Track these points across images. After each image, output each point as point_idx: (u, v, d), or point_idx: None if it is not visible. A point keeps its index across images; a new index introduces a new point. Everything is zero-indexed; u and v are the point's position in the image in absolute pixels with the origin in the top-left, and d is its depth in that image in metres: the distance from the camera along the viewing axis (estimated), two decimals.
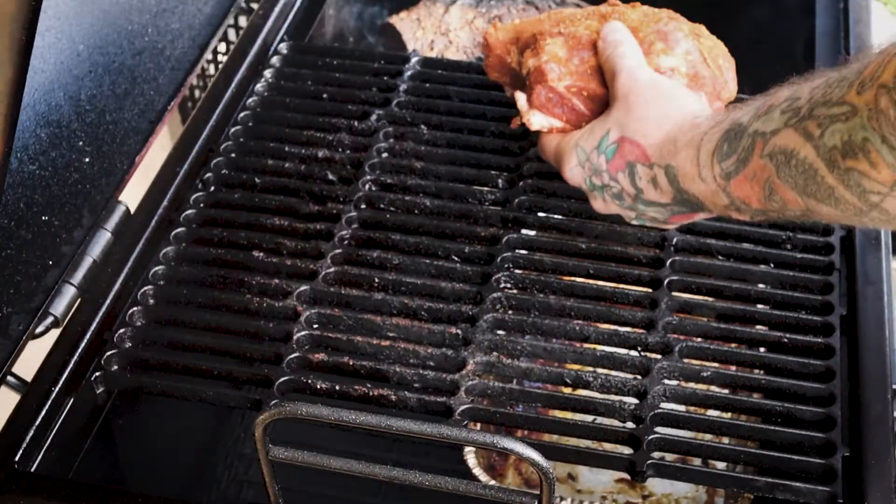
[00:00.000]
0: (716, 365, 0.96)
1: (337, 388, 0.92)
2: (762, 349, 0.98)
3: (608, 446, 0.92)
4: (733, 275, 1.02)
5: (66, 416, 0.93)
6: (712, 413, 0.97)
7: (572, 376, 0.93)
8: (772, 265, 1.02)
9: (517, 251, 1.03)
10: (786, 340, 0.96)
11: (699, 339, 0.97)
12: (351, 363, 0.93)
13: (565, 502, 1.05)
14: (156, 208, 1.08)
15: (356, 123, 1.17)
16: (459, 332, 0.96)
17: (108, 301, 0.99)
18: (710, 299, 1.00)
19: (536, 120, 0.95)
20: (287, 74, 1.25)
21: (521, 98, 0.97)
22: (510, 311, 0.99)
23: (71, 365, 0.94)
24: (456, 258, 1.03)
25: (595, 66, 0.95)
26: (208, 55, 1.22)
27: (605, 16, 1.00)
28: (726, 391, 0.95)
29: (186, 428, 1.23)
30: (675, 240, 1.03)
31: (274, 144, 1.15)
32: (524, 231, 1.06)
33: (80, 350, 0.95)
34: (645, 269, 1.02)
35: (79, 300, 0.99)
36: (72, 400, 0.94)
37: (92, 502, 0.87)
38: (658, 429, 0.89)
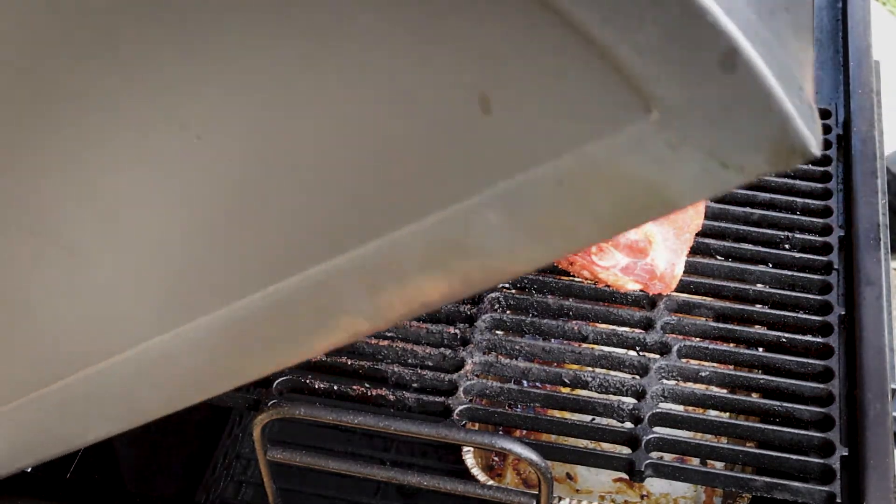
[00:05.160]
0: (714, 365, 0.95)
1: (335, 387, 0.92)
2: (761, 349, 0.98)
3: (606, 446, 0.92)
4: (732, 274, 1.02)
5: None
6: (711, 413, 0.97)
7: (571, 376, 0.93)
8: (770, 265, 1.02)
9: None
10: (784, 340, 0.96)
11: (697, 339, 0.97)
12: (349, 363, 0.93)
13: (564, 502, 1.05)
14: None
15: None
16: (458, 331, 0.96)
17: None
18: (709, 299, 1.00)
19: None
20: None
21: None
22: (508, 311, 0.99)
23: None
24: None
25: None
26: None
27: None
28: (725, 391, 0.95)
29: (184, 428, 1.23)
30: None
31: None
32: None
33: None
34: None
35: None
36: None
37: (90, 503, 0.87)
38: (656, 429, 0.89)
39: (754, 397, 0.95)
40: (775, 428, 0.89)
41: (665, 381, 0.93)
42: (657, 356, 0.94)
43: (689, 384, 0.96)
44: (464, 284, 0.59)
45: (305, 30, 0.52)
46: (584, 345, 0.98)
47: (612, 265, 0.97)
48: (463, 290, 0.60)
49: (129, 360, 0.70)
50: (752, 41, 0.45)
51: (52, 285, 0.68)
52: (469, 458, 1.09)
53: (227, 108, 0.56)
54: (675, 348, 0.94)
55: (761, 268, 1.02)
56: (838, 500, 0.84)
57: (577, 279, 1.01)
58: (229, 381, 0.71)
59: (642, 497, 1.21)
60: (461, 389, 0.91)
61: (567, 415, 1.05)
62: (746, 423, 0.91)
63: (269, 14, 0.52)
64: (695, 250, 1.03)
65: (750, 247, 1.04)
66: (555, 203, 0.53)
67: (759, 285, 1.01)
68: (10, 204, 0.65)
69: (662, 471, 0.87)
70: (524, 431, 1.06)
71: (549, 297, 0.99)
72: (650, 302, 0.98)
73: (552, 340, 0.98)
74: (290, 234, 0.61)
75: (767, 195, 1.08)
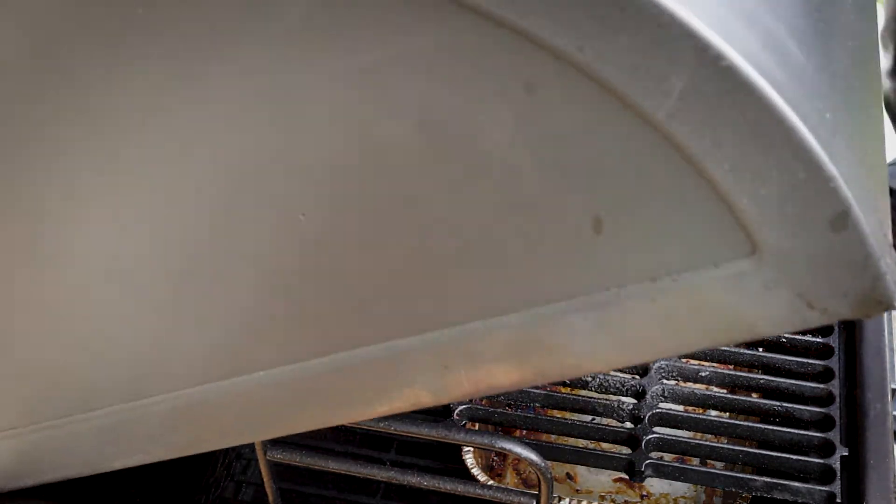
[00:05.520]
0: (714, 365, 0.95)
1: None
2: (761, 349, 0.98)
3: (606, 446, 0.92)
4: None
5: None
6: (711, 413, 0.97)
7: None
8: None
9: None
10: (784, 340, 0.96)
11: None
12: None
13: (564, 502, 1.05)
14: None
15: None
16: None
17: None
18: None
19: None
20: None
21: None
22: None
23: None
24: None
25: None
26: None
27: None
28: (725, 391, 0.95)
29: None
30: None
31: None
32: None
33: None
34: None
35: None
36: None
37: (90, 503, 0.87)
38: (656, 429, 0.89)
39: (754, 397, 0.95)
40: (775, 428, 0.89)
41: (665, 381, 0.93)
42: None
43: (689, 384, 0.96)
44: (536, 375, 0.61)
45: (446, 153, 0.54)
46: None
47: None
48: (534, 380, 0.61)
49: (182, 400, 0.70)
50: (861, 205, 0.48)
51: (118, 317, 0.68)
52: (469, 458, 1.09)
53: (331, 191, 0.58)
54: None
55: None
56: (838, 500, 0.84)
57: None
58: (275, 430, 0.73)
59: (642, 497, 1.21)
60: None
61: (567, 415, 1.05)
62: (746, 423, 0.91)
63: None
64: None
65: None
66: (643, 317, 0.55)
67: None
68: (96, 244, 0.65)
69: (662, 471, 0.87)
70: (524, 431, 1.06)
71: None
72: None
73: None
74: (379, 306, 0.62)
75: None
